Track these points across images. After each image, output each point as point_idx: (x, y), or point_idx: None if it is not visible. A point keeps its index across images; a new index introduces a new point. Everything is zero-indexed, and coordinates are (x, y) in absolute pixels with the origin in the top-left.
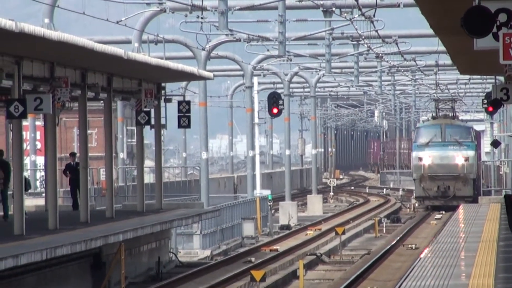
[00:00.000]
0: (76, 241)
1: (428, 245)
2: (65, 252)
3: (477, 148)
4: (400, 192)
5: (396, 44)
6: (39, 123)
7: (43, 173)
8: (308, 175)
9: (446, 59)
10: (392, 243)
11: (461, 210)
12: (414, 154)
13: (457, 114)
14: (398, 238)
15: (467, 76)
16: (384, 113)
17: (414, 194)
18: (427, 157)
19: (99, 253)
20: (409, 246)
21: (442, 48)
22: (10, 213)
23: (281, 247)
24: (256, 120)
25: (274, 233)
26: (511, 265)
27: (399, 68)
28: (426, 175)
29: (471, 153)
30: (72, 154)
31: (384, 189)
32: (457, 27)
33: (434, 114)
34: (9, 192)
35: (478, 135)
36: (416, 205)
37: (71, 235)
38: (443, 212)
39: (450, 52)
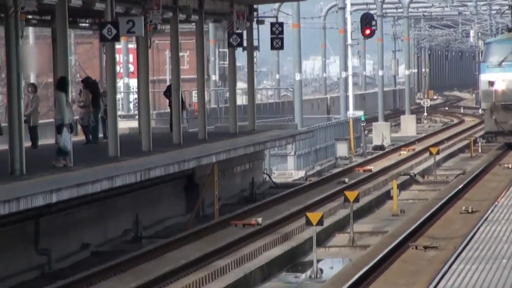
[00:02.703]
0: (169, 163)
1: None
2: (158, 174)
3: None
4: None
5: None
6: (132, 46)
7: (136, 96)
8: (401, 96)
9: None
10: (488, 163)
11: None
12: (482, 77)
13: None
14: (494, 157)
15: None
16: (479, 34)
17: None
18: (501, 81)
19: (193, 175)
20: (506, 165)
21: None
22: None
23: (374, 167)
24: (349, 41)
25: (367, 154)
26: None
27: None
28: (499, 104)
29: None
30: None
31: (480, 110)
32: None
33: (510, 25)
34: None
35: None
36: (483, 142)
37: (164, 156)
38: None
39: None
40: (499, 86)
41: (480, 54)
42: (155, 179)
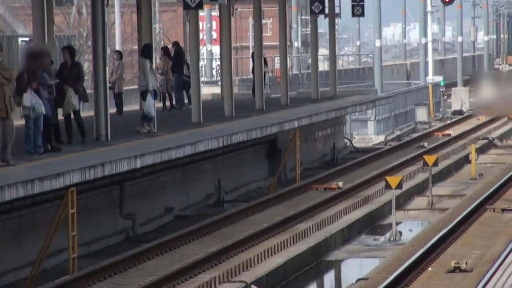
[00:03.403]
0: (252, 128)
1: None
2: (241, 139)
3: None
4: None
5: None
6: (215, 13)
7: (218, 62)
8: (480, 62)
9: None
10: None
11: None
12: None
13: None
14: None
15: None
16: None
17: None
18: None
19: (275, 140)
20: None
21: None
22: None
23: (453, 132)
24: (429, 8)
25: (446, 118)
26: None
27: None
28: None
29: None
30: None
31: None
32: None
33: None
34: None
35: None
36: None
37: (247, 122)
38: None
39: None
40: None
41: None
42: (237, 144)
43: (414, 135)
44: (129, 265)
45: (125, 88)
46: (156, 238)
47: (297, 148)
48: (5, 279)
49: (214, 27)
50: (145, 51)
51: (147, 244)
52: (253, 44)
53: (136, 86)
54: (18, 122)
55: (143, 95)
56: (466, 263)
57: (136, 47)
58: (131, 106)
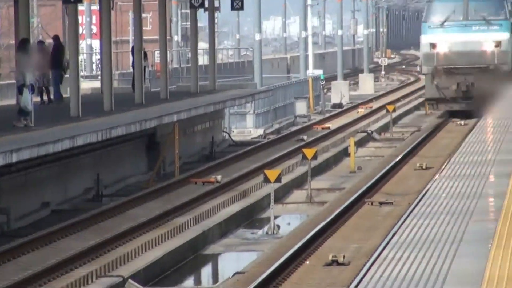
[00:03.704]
0: (131, 122)
1: (478, 122)
2: (120, 133)
3: None
4: None
5: None
6: (95, 7)
7: (98, 56)
8: (360, 55)
9: None
10: (442, 120)
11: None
12: (424, 38)
13: None
14: (448, 115)
15: None
16: None
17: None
18: (443, 43)
19: (154, 134)
20: (458, 122)
21: None
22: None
23: (332, 125)
24: (309, 1)
25: (326, 112)
26: None
27: None
28: (441, 67)
29: (504, 35)
30: None
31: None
32: None
33: None
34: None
35: None
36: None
37: (126, 116)
38: (462, 122)
39: None
40: (441, 49)
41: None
42: (116, 138)
43: (293, 129)
44: (3, 259)
45: (1, 82)
46: (31, 233)
47: (176, 142)
48: None
49: (94, 21)
50: (22, 46)
51: (22, 238)
52: (133, 38)
53: (13, 81)
54: None
55: (20, 90)
56: (344, 256)
57: (13, 41)
58: (8, 100)
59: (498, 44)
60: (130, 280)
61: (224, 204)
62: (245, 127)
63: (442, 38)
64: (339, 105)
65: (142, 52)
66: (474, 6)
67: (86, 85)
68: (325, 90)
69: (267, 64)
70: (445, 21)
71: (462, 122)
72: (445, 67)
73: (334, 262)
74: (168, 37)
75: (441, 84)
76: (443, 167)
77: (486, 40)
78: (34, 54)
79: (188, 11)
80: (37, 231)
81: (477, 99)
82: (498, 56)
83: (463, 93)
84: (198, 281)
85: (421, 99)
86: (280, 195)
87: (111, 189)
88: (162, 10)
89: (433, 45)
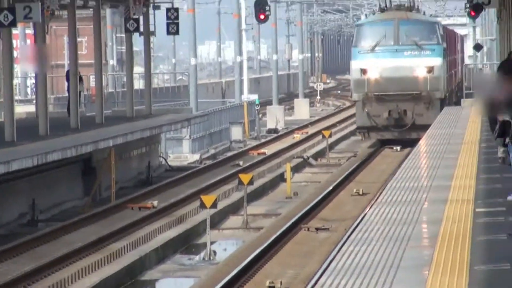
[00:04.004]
0: (66, 147)
1: (413, 148)
2: (56, 158)
3: (447, 53)
4: None
5: None
6: (30, 31)
7: (33, 80)
8: (295, 80)
9: None
10: (378, 146)
11: (443, 113)
12: (354, 64)
13: (417, 4)
14: (380, 143)
15: None
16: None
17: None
18: (373, 68)
19: (90, 159)
20: (394, 148)
21: None
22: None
23: (268, 150)
24: (244, 26)
25: (261, 137)
26: (492, 166)
27: None
28: (371, 94)
29: (437, 60)
30: None
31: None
32: None
33: (382, 5)
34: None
35: (451, 35)
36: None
37: (61, 141)
38: (398, 148)
39: None
40: (372, 75)
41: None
42: (52, 163)
43: (229, 154)
44: None
45: None
46: None
47: (112, 167)
48: None
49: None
50: None
51: None
52: (68, 62)
53: None
54: None
55: None
56: (281, 282)
57: None
58: None
59: (430, 69)
60: None
61: (161, 230)
62: (181, 152)
63: (372, 63)
64: (275, 130)
65: (78, 76)
66: (405, 31)
67: (21, 109)
68: (260, 115)
69: (203, 89)
70: (375, 45)
71: (398, 148)
72: (376, 94)
73: None
74: (103, 62)
75: (372, 112)
76: (379, 193)
77: (418, 65)
78: None
79: (123, 35)
80: None
81: (410, 127)
82: (430, 82)
83: (395, 121)
84: None
85: None
86: (216, 221)
87: (46, 214)
88: (97, 34)
89: (363, 71)
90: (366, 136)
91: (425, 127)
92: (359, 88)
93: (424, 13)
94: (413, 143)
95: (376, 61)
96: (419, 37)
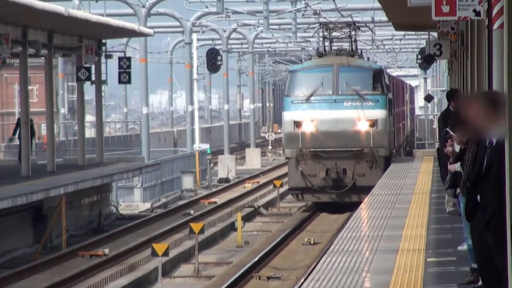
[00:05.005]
0: (17, 194)
1: (364, 198)
2: (6, 206)
3: (394, 104)
4: None
5: (333, 0)
6: None
7: None
8: (246, 130)
9: (381, 16)
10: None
11: (392, 166)
12: (286, 115)
13: (360, 50)
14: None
15: (403, 32)
16: None
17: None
18: (309, 121)
19: (41, 206)
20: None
21: (377, 5)
22: None
23: (219, 199)
24: (195, 75)
25: (213, 186)
26: (442, 216)
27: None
28: (306, 151)
29: (381, 113)
30: None
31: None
32: None
33: (321, 49)
34: None
35: (399, 84)
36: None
37: (12, 188)
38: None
39: (385, 8)
40: (307, 128)
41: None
42: (2, 210)
43: (181, 203)
44: None
45: None
46: None
47: (63, 214)
48: None
49: None
50: None
51: None
52: (19, 110)
53: None
54: None
55: None
56: None
57: None
58: None
59: (373, 123)
60: None
61: (112, 278)
62: (133, 200)
63: (307, 115)
64: (226, 180)
65: (29, 124)
66: (345, 78)
67: None
68: (212, 164)
69: (155, 138)
70: (311, 95)
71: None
72: (312, 150)
73: None
74: (55, 110)
75: (307, 171)
76: (330, 242)
77: (359, 118)
78: None
79: (75, 83)
80: None
81: (350, 189)
82: (374, 138)
83: (333, 181)
84: None
85: None
86: (168, 269)
87: None
88: (49, 82)
89: (297, 124)
90: (300, 199)
91: (367, 189)
92: (292, 144)
93: (368, 59)
94: (353, 207)
95: (311, 113)
96: (361, 86)
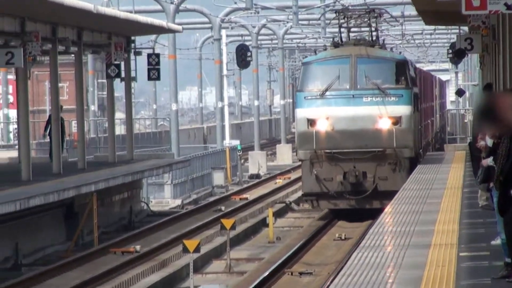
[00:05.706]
0: (49, 192)
1: (386, 204)
2: (38, 203)
3: (420, 100)
4: None
5: None
6: (11, 76)
7: (16, 126)
8: (277, 125)
9: (411, 10)
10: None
11: (425, 158)
12: (299, 112)
13: (382, 38)
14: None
15: (433, 27)
16: None
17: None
18: (324, 119)
19: (72, 204)
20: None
21: None
22: None
23: (250, 195)
24: (225, 72)
25: (243, 182)
26: (475, 211)
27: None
28: (321, 152)
29: (405, 109)
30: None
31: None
32: None
33: (337, 39)
34: None
35: (427, 78)
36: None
37: (44, 186)
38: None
39: (415, 3)
40: (322, 127)
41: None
42: (34, 207)
43: (211, 199)
44: None
45: None
46: None
47: (94, 211)
48: None
49: (10, 90)
50: None
51: None
52: (50, 107)
53: None
54: None
55: None
56: None
57: None
58: None
59: (397, 120)
60: None
61: (144, 274)
62: (163, 197)
63: (322, 112)
64: (257, 176)
65: (60, 121)
66: (365, 70)
67: (4, 155)
68: (242, 161)
69: (184, 134)
70: (326, 90)
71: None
72: (328, 151)
73: None
74: (85, 107)
75: (322, 175)
76: (362, 237)
77: (381, 115)
78: None
79: (104, 81)
80: None
81: (371, 194)
82: (397, 137)
83: (352, 186)
84: None
85: None
86: (199, 265)
87: (30, 259)
88: (79, 80)
89: (311, 122)
90: (315, 205)
91: (390, 194)
92: (306, 144)
93: (391, 50)
94: (374, 214)
95: (327, 110)
96: (382, 79)
